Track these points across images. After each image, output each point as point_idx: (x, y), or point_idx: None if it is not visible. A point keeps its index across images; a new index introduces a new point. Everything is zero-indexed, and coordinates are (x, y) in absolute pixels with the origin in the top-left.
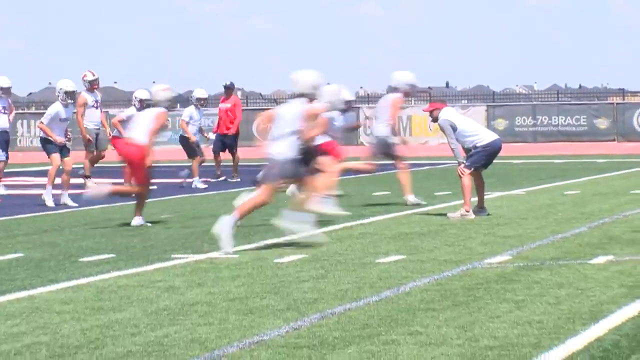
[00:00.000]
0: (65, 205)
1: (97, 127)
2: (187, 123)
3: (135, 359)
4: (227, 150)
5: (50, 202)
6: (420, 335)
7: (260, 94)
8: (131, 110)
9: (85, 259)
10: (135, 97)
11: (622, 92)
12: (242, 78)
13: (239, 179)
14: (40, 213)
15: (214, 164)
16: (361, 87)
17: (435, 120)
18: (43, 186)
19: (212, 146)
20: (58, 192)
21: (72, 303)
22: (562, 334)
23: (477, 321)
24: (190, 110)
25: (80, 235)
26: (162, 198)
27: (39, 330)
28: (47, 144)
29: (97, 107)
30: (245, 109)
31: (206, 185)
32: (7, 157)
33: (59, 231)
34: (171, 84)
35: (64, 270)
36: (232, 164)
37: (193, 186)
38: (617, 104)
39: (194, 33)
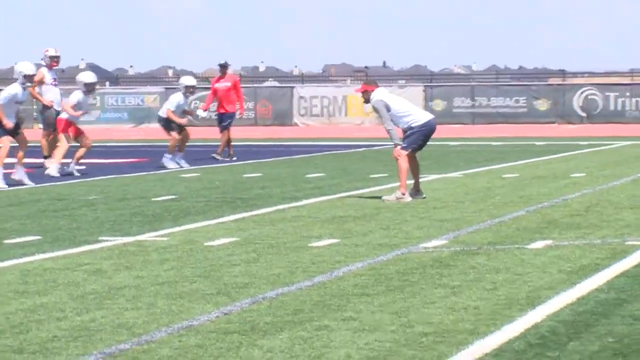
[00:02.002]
0: (21, 182)
1: (59, 107)
2: (173, 112)
3: (60, 344)
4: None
5: (2, 183)
6: (353, 321)
7: (192, 72)
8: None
9: (9, 241)
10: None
11: (563, 74)
12: (175, 57)
13: (219, 159)
14: None
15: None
16: (296, 66)
17: (367, 101)
18: None
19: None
20: (9, 171)
21: None
22: (498, 320)
23: (412, 307)
24: (178, 98)
25: (5, 217)
26: (91, 179)
27: None
28: None
29: (55, 85)
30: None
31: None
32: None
33: None
34: (105, 62)
35: None
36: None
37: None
38: (557, 85)
39: (125, 11)
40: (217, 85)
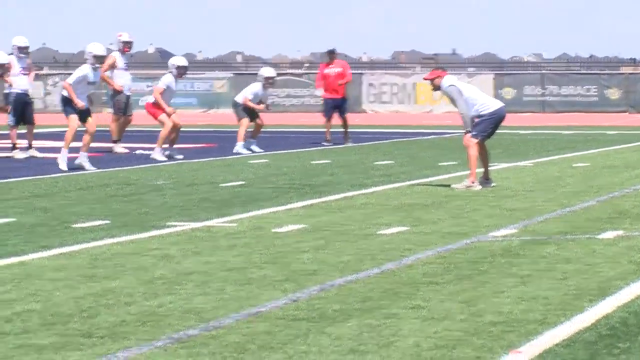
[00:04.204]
0: (82, 167)
1: (129, 91)
2: (250, 101)
3: (129, 328)
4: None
5: (63, 166)
6: (422, 310)
7: (261, 58)
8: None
9: (78, 225)
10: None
11: (634, 62)
12: (244, 42)
13: (352, 143)
14: (33, 177)
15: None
16: (364, 53)
17: (436, 88)
18: (39, 149)
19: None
20: (74, 155)
21: (64, 270)
22: (568, 311)
23: (481, 296)
24: (257, 88)
25: (74, 201)
26: (159, 164)
27: (30, 297)
28: (66, 105)
29: (126, 70)
30: (246, 74)
31: (127, 151)
32: (25, 121)
33: (52, 196)
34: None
35: (56, 236)
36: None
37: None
38: (629, 74)
39: None
40: (326, 70)
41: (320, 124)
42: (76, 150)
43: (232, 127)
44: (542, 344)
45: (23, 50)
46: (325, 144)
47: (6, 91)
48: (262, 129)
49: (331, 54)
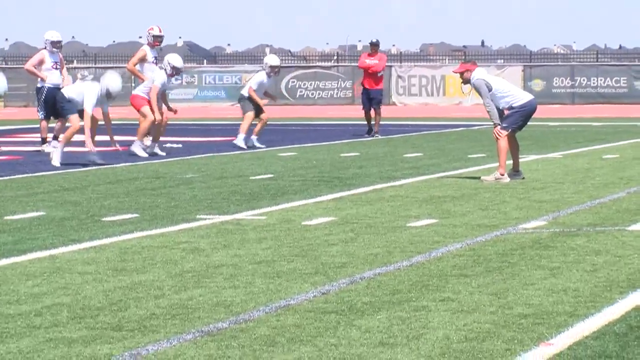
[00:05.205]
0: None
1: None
2: (255, 91)
3: (158, 321)
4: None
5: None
6: (452, 302)
7: (290, 51)
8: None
9: (108, 219)
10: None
11: None
12: (272, 35)
13: (378, 136)
14: (63, 171)
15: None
16: (393, 45)
17: (466, 82)
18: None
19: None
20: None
21: (94, 263)
22: (598, 303)
23: (510, 288)
24: (261, 77)
25: (104, 194)
26: (188, 157)
27: (60, 291)
28: (67, 103)
29: (156, 63)
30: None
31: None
32: (57, 115)
33: (82, 189)
34: (202, 41)
35: (86, 229)
36: (374, 121)
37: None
38: None
39: None
40: (367, 61)
41: (348, 116)
42: (78, 145)
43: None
44: (572, 336)
45: (56, 44)
46: (366, 135)
47: (39, 85)
48: (266, 125)
49: (373, 46)
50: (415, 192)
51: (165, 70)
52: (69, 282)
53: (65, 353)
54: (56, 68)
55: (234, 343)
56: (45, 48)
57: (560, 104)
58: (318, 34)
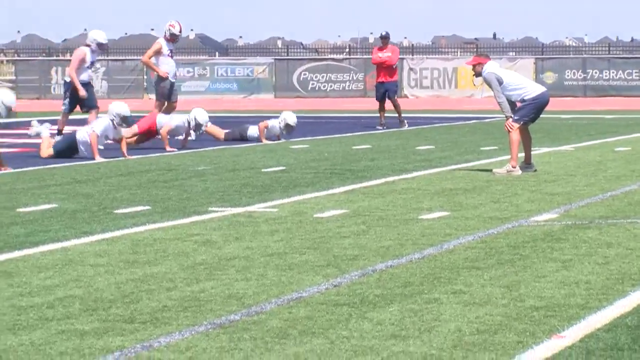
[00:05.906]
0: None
1: (174, 78)
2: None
3: (171, 314)
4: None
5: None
6: (463, 295)
7: (302, 44)
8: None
9: (120, 211)
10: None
11: None
12: (284, 27)
13: (406, 126)
14: (75, 163)
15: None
16: (405, 38)
17: (478, 75)
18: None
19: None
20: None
21: (106, 256)
22: (610, 295)
23: (522, 280)
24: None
25: (115, 186)
26: (200, 149)
27: (72, 283)
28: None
29: (171, 57)
30: (286, 59)
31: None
32: (87, 106)
33: (94, 182)
34: (214, 33)
35: (98, 222)
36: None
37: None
38: None
39: None
40: (379, 54)
41: (360, 108)
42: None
43: (273, 112)
44: (584, 329)
45: (103, 46)
46: (379, 127)
47: (67, 79)
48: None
49: (383, 39)
50: (427, 185)
51: (90, 47)
52: (81, 274)
53: (78, 345)
54: (88, 67)
55: (246, 335)
56: (89, 46)
57: (572, 97)
58: (330, 27)
